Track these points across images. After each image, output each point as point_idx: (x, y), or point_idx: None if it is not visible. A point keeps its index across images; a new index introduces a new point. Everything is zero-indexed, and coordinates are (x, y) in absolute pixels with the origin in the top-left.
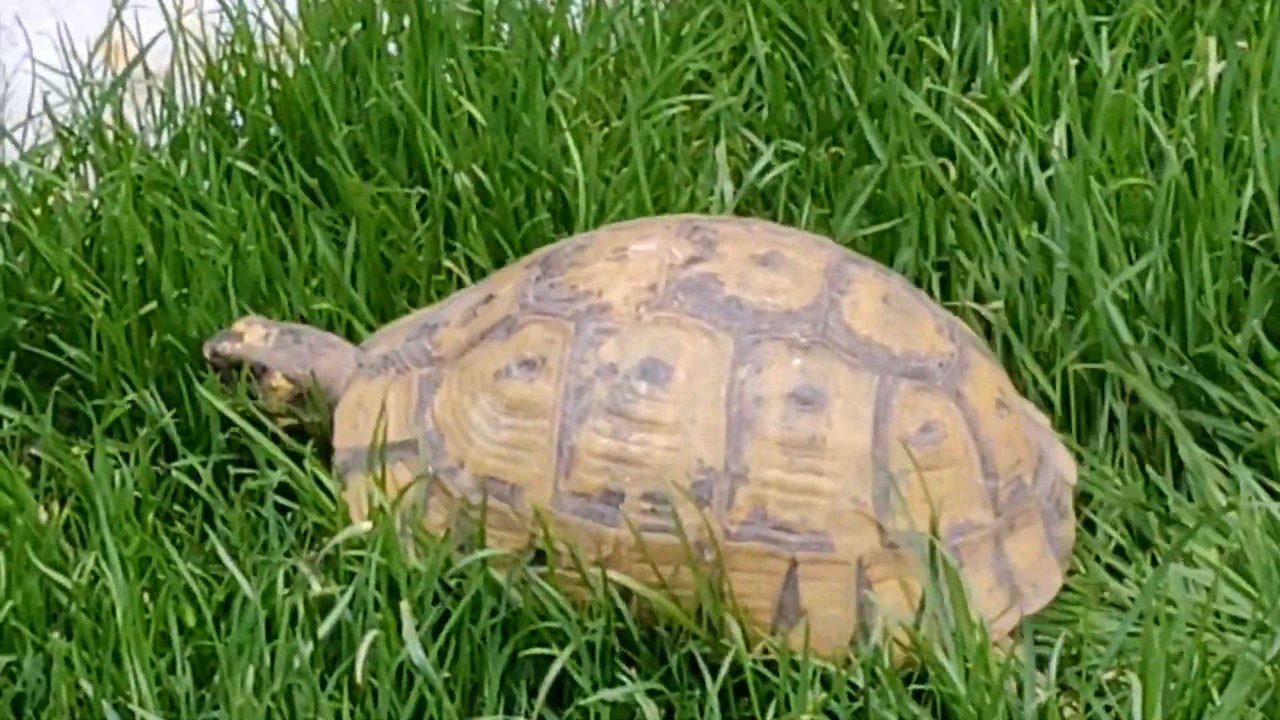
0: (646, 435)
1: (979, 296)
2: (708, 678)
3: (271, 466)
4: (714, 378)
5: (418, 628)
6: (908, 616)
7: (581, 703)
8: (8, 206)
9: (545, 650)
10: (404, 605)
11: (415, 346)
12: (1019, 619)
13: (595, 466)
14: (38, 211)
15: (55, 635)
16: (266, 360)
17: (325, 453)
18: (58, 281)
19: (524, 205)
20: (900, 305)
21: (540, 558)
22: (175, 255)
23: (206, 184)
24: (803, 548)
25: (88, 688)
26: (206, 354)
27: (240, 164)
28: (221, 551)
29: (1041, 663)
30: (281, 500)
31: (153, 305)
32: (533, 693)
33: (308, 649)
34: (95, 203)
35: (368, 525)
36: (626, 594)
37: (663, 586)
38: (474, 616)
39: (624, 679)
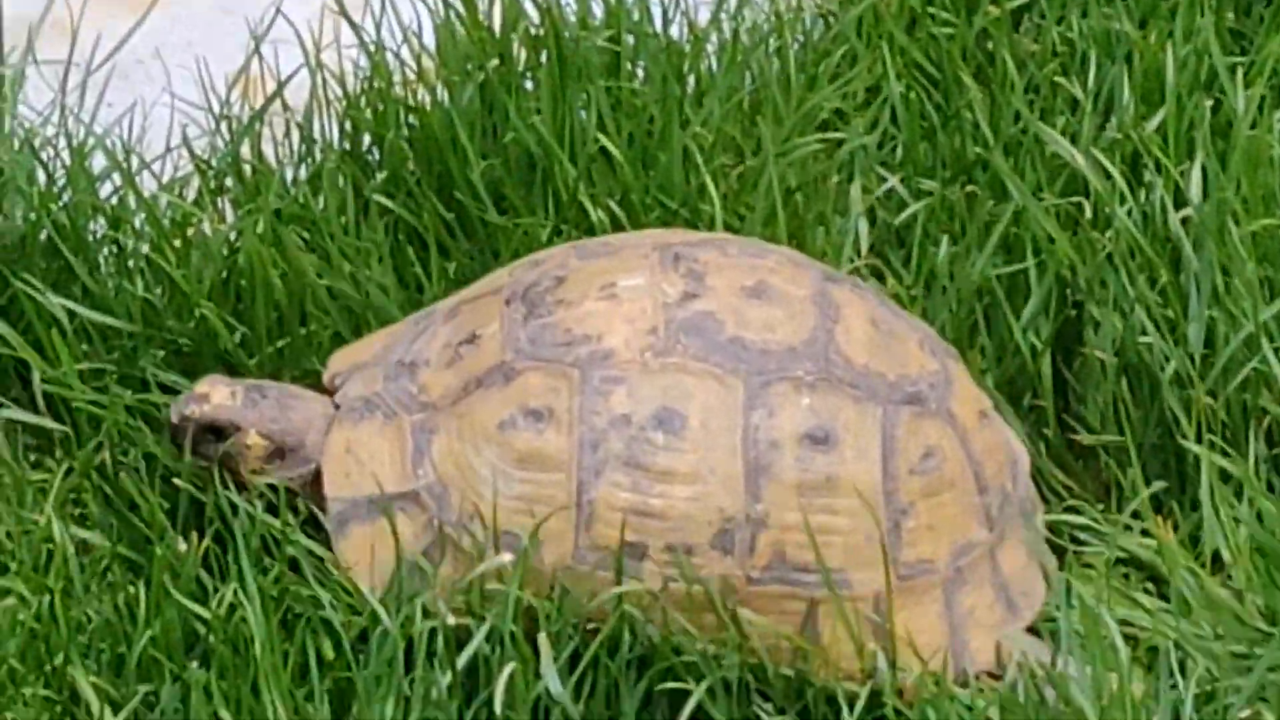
0: (667, 487)
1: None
2: (845, 712)
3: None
4: (728, 424)
5: (555, 660)
6: (922, 647)
7: None
8: (147, 238)
9: (681, 685)
10: (542, 638)
11: (398, 389)
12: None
13: (616, 521)
14: (176, 243)
15: (193, 665)
16: (238, 419)
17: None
18: (195, 314)
19: None
20: (886, 326)
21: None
22: (311, 289)
23: (343, 219)
24: (821, 587)
25: (226, 717)
26: (174, 419)
27: (378, 198)
28: (361, 582)
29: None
30: None
31: (288, 339)
32: None
33: (445, 680)
34: (233, 235)
35: (509, 557)
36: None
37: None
38: (610, 651)
39: (760, 712)
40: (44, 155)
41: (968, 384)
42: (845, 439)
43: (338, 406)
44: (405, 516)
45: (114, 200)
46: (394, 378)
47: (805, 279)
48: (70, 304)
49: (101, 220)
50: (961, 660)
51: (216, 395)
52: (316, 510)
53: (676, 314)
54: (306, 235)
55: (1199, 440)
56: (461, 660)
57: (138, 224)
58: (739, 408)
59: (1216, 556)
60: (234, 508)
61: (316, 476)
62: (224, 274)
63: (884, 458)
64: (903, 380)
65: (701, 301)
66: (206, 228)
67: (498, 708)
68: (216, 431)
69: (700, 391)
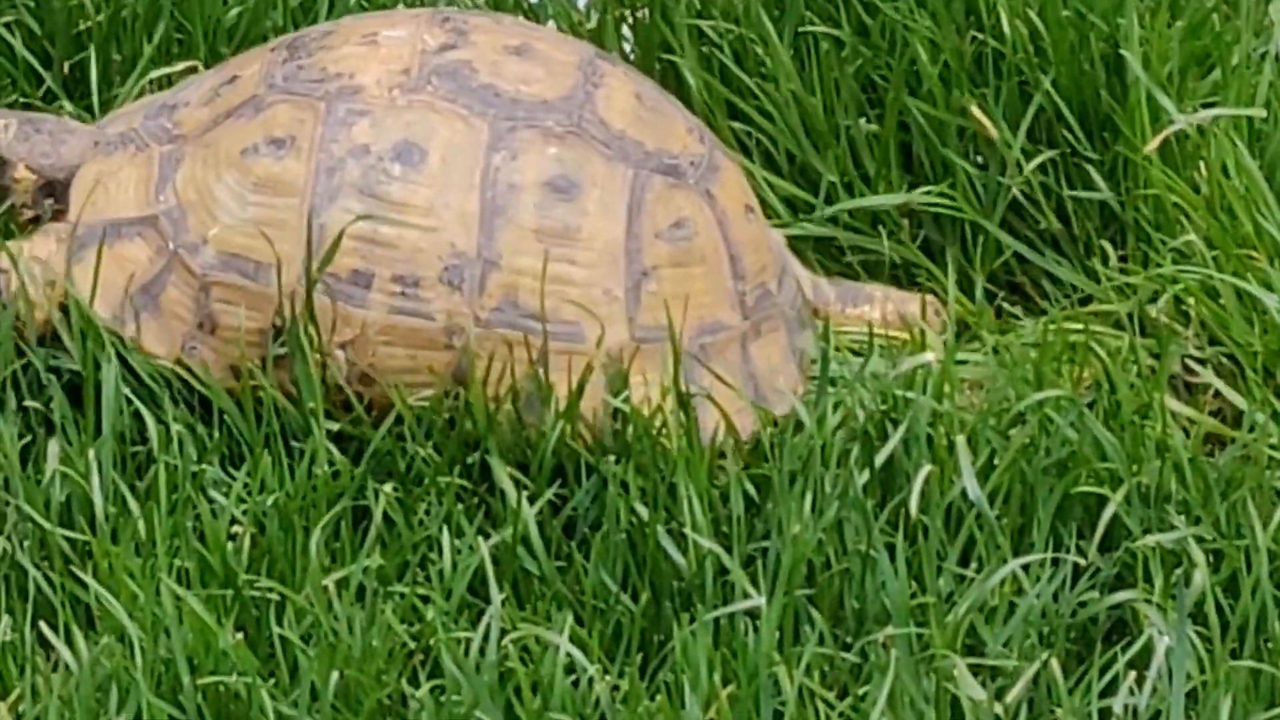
0: (399, 217)
1: None
2: (1257, 526)
3: None
4: (468, 163)
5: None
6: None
7: (1131, 546)
8: None
9: (1097, 490)
10: (961, 440)
11: (154, 125)
12: (759, 420)
13: (346, 247)
14: None
15: (610, 459)
16: (8, 153)
17: None
18: None
19: (1075, 55)
20: (652, 103)
21: (282, 336)
22: None
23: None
24: (553, 337)
25: (642, 511)
26: None
27: None
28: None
29: None
30: None
31: None
32: (1079, 534)
33: (862, 479)
34: None
35: (930, 356)
36: (367, 379)
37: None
38: (1027, 457)
39: (1175, 524)
40: None
41: (738, 179)
42: (590, 192)
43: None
44: (142, 241)
45: None
46: (153, 116)
47: (574, 49)
48: None
49: None
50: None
51: None
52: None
53: (432, 60)
54: None
55: None
56: (880, 457)
57: None
58: (481, 148)
59: None
60: None
61: None
62: None
63: (629, 217)
64: (661, 152)
65: (459, 52)
66: None
67: (912, 510)
68: None
69: (444, 129)
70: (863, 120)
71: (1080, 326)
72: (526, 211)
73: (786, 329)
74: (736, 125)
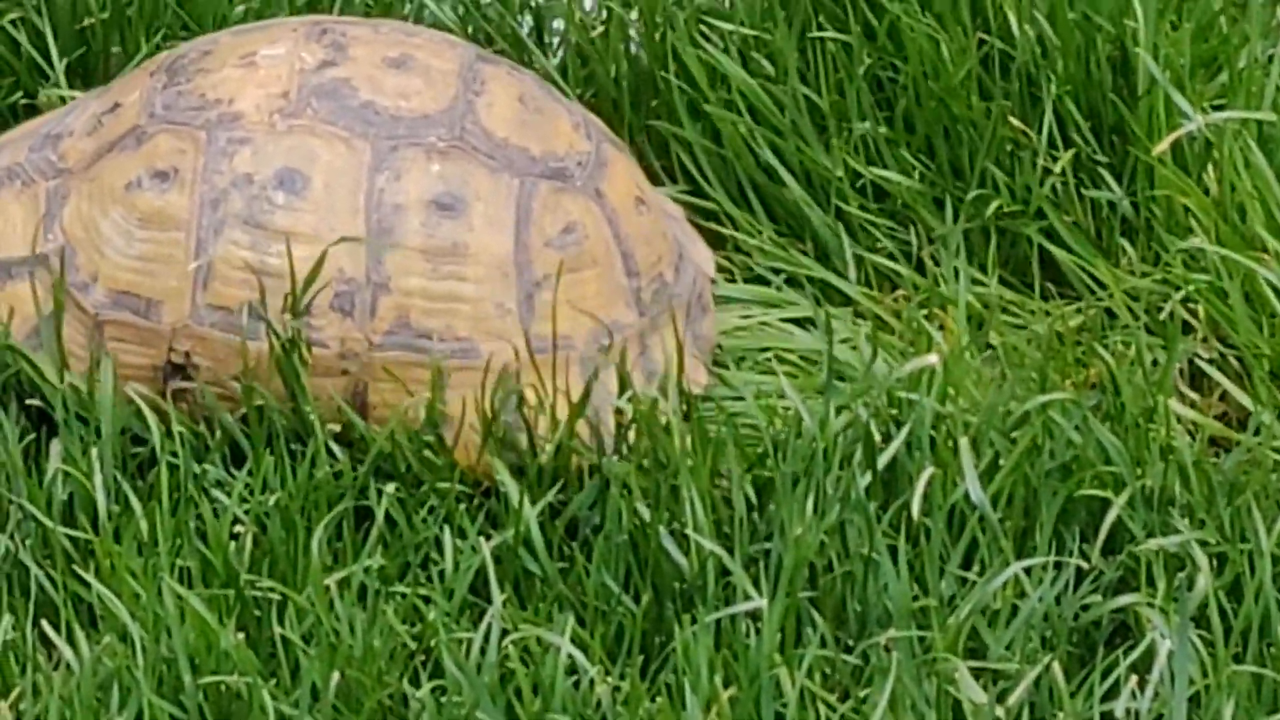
0: (285, 246)
1: None
2: (1261, 530)
3: None
4: (352, 186)
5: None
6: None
7: (1134, 549)
8: None
9: (1100, 494)
10: (964, 443)
11: (39, 158)
12: None
13: (235, 279)
14: None
15: (614, 458)
16: None
17: None
18: None
19: (1082, 57)
20: (536, 104)
21: (177, 372)
22: None
23: None
24: (448, 355)
25: (645, 512)
26: None
27: None
28: (785, 384)
29: None
30: None
31: None
32: (1082, 537)
33: (864, 481)
34: None
35: (933, 358)
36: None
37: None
38: (1030, 460)
39: (1177, 526)
40: None
41: (627, 169)
42: (475, 207)
43: None
44: (35, 280)
45: None
46: (38, 148)
47: (454, 55)
48: None
49: None
50: (602, 436)
51: None
52: None
53: (311, 80)
54: None
55: None
56: (883, 460)
57: None
58: (364, 170)
59: None
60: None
61: None
62: None
63: (517, 229)
64: (547, 156)
65: (338, 69)
66: None
67: (915, 512)
68: None
69: (326, 153)
70: (870, 122)
71: (1088, 327)
72: (413, 231)
73: (685, 317)
74: (742, 126)
